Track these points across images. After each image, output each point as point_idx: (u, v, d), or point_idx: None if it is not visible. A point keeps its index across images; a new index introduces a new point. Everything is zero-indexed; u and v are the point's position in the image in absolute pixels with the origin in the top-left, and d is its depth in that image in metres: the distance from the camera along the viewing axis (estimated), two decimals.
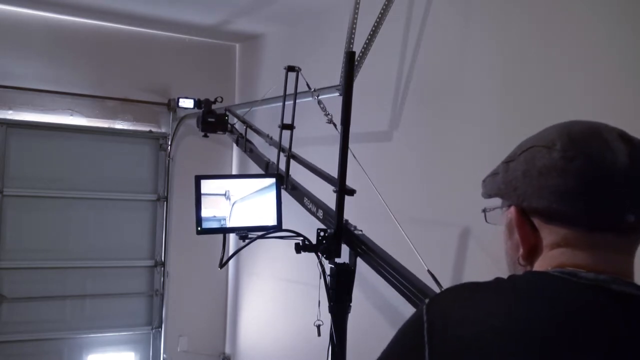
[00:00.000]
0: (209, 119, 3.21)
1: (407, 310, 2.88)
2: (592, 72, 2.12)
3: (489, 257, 2.41)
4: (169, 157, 4.59)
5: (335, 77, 2.96)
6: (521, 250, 0.85)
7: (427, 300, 0.83)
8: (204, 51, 4.75)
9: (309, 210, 2.34)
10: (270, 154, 2.95)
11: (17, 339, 4.10)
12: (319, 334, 2.10)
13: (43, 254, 4.20)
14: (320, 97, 2.93)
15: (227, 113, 3.33)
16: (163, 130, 4.62)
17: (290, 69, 2.60)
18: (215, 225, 2.10)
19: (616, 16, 2.06)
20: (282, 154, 2.61)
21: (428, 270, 1.83)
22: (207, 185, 2.09)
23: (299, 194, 2.43)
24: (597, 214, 0.79)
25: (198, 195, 2.02)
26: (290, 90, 2.59)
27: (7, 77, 4.07)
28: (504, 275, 0.84)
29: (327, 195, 2.27)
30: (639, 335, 0.73)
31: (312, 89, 2.52)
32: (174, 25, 4.38)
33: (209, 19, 4.22)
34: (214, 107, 3.50)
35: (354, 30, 2.78)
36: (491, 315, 0.76)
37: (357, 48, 2.80)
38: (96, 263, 4.36)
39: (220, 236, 2.32)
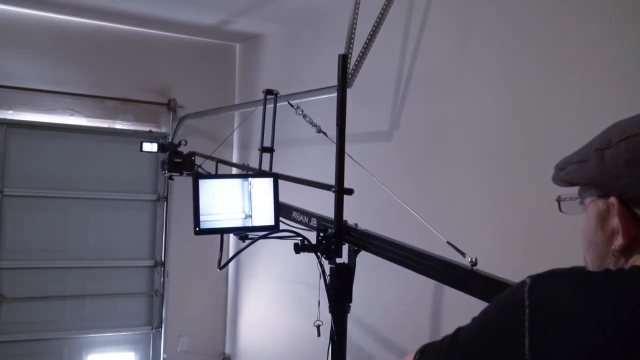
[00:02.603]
0: (176, 160, 3.20)
1: (407, 310, 2.88)
2: (591, 73, 2.12)
3: (491, 253, 2.41)
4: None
5: (335, 76, 2.96)
6: (620, 242, 0.81)
7: (528, 281, 0.79)
8: (204, 51, 4.75)
9: (300, 222, 2.30)
10: None
11: (17, 339, 4.11)
12: (318, 334, 2.10)
13: (43, 254, 4.20)
14: (319, 97, 2.94)
15: (194, 154, 3.33)
16: (163, 130, 4.62)
17: (269, 92, 2.63)
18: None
19: (615, 15, 2.06)
20: None
21: (448, 242, 1.79)
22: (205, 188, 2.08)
23: (287, 210, 2.40)
24: None
25: (196, 195, 2.02)
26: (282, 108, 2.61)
27: (7, 77, 4.07)
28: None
29: (322, 197, 2.27)
30: None
31: (295, 106, 2.53)
32: (173, 25, 4.38)
33: (209, 19, 4.22)
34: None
35: (353, 31, 2.78)
36: (605, 315, 0.72)
37: (357, 48, 2.80)
38: (96, 263, 4.36)
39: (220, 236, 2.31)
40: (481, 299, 1.50)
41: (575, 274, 0.80)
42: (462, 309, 1.59)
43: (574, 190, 0.89)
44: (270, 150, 2.60)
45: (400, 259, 1.86)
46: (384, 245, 1.95)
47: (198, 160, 3.29)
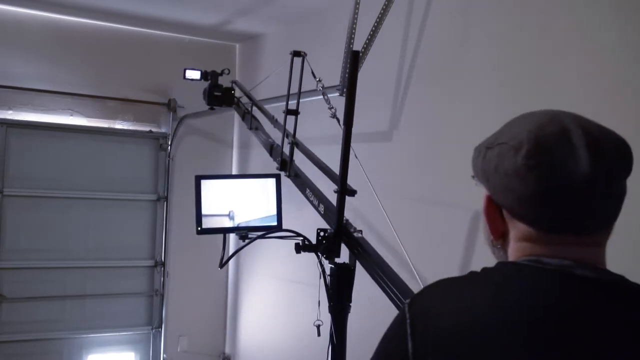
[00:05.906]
0: (215, 93, 3.12)
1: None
2: (590, 65, 2.12)
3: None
4: (169, 157, 4.59)
5: (335, 77, 2.96)
6: (490, 236, 0.90)
7: (407, 301, 0.87)
8: (204, 51, 4.75)
9: (310, 202, 2.28)
10: (275, 138, 2.84)
11: (17, 339, 4.10)
12: (318, 334, 2.10)
13: (43, 254, 4.20)
14: (318, 98, 2.93)
15: (234, 87, 3.25)
16: (163, 130, 4.62)
17: (296, 54, 2.55)
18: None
19: (616, 12, 2.07)
20: (286, 140, 2.53)
21: (418, 278, 1.79)
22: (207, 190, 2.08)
23: (302, 182, 2.34)
24: (555, 219, 0.81)
25: (198, 195, 2.02)
26: (298, 75, 2.49)
27: (7, 77, 4.07)
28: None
29: (328, 193, 2.27)
30: (596, 317, 0.76)
31: (317, 78, 2.47)
32: (173, 25, 4.38)
33: (209, 19, 4.22)
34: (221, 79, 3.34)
35: (354, 30, 2.78)
36: (471, 306, 0.80)
37: (357, 48, 2.80)
38: (96, 263, 4.36)
39: (220, 236, 2.32)
40: None
41: (446, 280, 0.87)
42: None
43: None
44: (296, 112, 2.44)
45: (373, 273, 1.89)
46: (364, 254, 1.95)
47: (238, 94, 3.22)
